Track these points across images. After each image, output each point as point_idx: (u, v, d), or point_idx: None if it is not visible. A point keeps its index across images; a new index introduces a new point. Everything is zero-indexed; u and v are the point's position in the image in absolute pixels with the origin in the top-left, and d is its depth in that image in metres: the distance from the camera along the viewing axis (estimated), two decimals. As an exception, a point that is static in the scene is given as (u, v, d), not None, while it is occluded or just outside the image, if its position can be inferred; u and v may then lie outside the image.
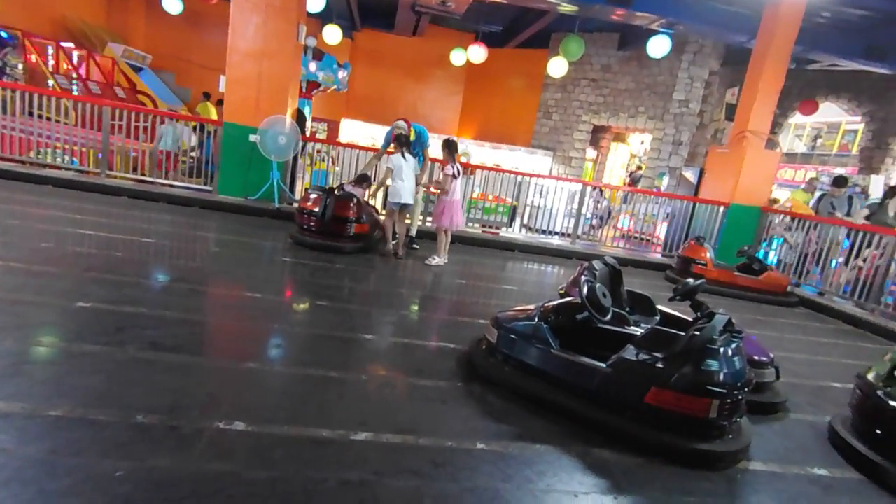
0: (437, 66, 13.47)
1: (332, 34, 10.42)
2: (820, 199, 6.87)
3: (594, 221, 8.08)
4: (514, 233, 7.41)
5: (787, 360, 3.40)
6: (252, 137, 5.89)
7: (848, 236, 5.72)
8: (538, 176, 7.72)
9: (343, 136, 12.79)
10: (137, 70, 11.24)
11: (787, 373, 2.97)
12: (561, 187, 7.39)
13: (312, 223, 4.73)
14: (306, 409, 2.01)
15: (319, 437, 1.84)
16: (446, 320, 3.65)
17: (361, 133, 12.39)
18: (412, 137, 5.12)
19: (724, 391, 2.03)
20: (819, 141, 15.40)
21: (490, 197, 7.45)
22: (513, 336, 2.49)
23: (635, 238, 8.11)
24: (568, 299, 2.67)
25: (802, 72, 10.20)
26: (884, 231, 5.37)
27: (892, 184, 7.72)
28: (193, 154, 7.51)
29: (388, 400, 2.25)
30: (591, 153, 12.43)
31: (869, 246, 5.39)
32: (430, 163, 5.56)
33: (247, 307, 3.17)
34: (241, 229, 5.22)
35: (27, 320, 2.40)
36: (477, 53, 10.29)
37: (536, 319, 2.48)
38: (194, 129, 7.51)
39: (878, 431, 2.26)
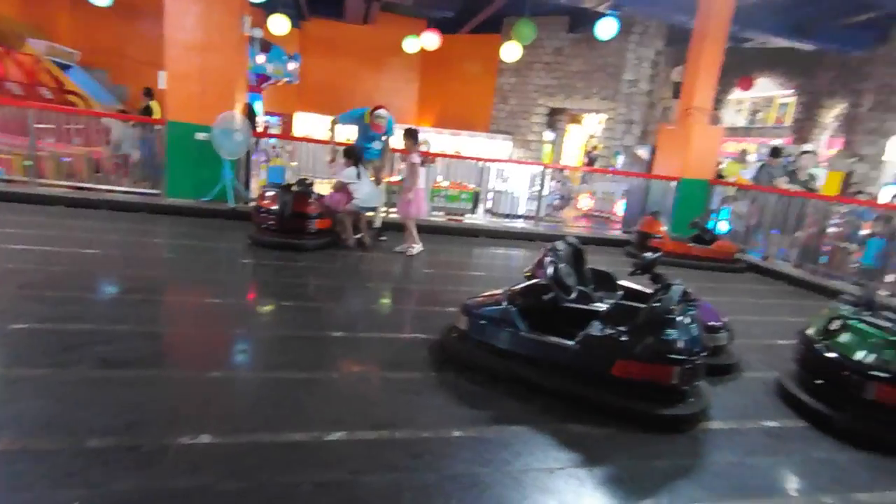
0: (391, 54, 13.16)
1: (279, 24, 9.99)
2: (760, 169, 7.26)
3: (556, 202, 8.24)
4: (479, 218, 7.44)
5: (739, 322, 3.57)
6: (199, 135, 5.59)
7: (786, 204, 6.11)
8: (498, 161, 7.76)
9: (298, 130, 12.38)
10: (65, 68, 10.42)
11: (739, 334, 3.14)
12: (522, 171, 7.46)
13: (271, 222, 4.57)
14: (277, 414, 1.96)
15: (292, 440, 1.80)
16: (416, 311, 3.64)
17: (317, 125, 12.04)
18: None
19: (684, 357, 2.13)
20: (758, 115, 16.26)
21: (445, 184, 7.45)
22: (483, 322, 2.52)
23: (595, 217, 8.33)
24: (534, 281, 2.71)
25: (739, 49, 10.67)
26: (812, 196, 5.80)
27: (804, 149, 8.24)
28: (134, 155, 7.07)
29: (362, 396, 2.22)
30: (549, 136, 12.60)
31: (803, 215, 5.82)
32: (391, 153, 5.48)
33: (207, 314, 3.05)
34: (195, 233, 4.98)
35: (-41, 346, 2.21)
36: (430, 40, 10.16)
37: (505, 303, 2.51)
38: (132, 126, 7.06)
39: (819, 382, 2.44)
